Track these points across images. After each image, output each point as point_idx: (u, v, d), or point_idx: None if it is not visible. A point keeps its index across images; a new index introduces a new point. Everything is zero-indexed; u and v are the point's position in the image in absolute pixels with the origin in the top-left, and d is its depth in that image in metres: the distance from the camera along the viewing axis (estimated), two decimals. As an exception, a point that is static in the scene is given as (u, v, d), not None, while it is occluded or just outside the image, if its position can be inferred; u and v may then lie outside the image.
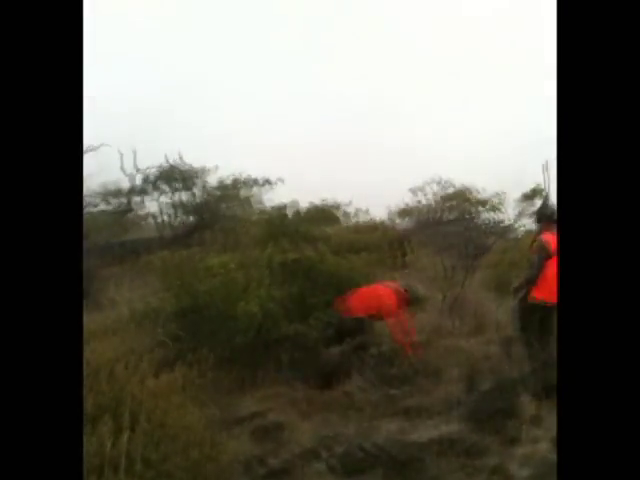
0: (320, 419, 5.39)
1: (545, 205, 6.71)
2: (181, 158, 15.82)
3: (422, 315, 7.54)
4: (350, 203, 15.50)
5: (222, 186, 15.79)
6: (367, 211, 12.83)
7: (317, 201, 16.34)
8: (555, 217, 5.46)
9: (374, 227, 11.67)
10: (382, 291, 6.21)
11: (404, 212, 11.19)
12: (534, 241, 5.67)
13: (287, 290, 5.91)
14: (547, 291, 5.17)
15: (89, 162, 18.46)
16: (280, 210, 7.05)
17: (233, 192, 15.62)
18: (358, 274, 6.43)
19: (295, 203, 12.40)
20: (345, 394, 5.77)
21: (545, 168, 8.89)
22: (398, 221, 11.59)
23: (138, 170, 16.00)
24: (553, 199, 8.58)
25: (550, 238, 5.38)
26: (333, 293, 6.20)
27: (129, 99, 25.26)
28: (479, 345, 6.01)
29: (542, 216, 5.72)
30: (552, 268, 5.13)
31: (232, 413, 5.61)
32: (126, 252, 14.47)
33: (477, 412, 4.73)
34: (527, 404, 4.66)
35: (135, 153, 16.42)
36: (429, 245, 10.23)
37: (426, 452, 4.22)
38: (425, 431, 4.72)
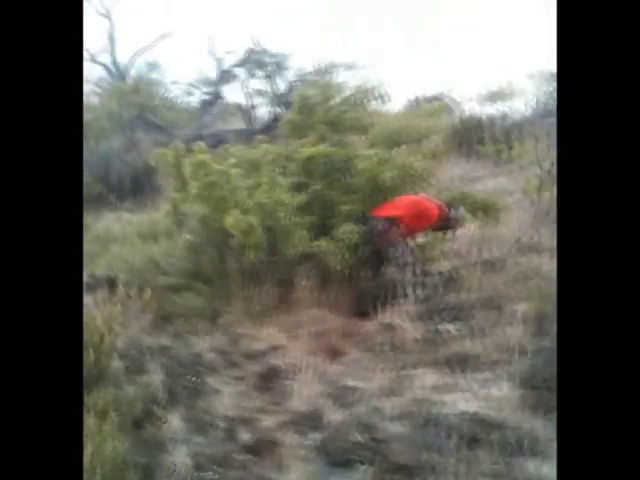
0: (347, 360, 4.26)
1: None
2: (258, 43, 14.64)
3: (507, 221, 5.94)
4: (451, 91, 13.11)
5: (309, 72, 14.41)
6: (471, 99, 10.61)
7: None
8: None
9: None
10: (428, 203, 4.75)
11: (499, 96, 9.00)
12: None
13: (310, 196, 4.58)
14: None
15: (159, 51, 17.81)
16: (325, 90, 5.42)
17: (321, 79, 14.19)
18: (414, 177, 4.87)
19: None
20: (384, 326, 4.55)
21: None
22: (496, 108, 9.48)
23: (217, 58, 15.03)
24: None
25: None
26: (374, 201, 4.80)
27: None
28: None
29: None
30: None
31: (245, 346, 4.60)
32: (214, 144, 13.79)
33: (537, 373, 3.33)
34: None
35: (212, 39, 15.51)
36: (535, 137, 8.26)
37: (449, 440, 2.94)
38: (461, 397, 3.43)
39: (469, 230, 5.56)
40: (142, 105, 13.53)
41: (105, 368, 3.77)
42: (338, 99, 5.49)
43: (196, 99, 16.24)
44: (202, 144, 5.27)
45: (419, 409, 3.39)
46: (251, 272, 4.95)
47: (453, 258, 5.39)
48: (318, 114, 5.23)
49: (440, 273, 5.14)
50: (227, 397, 3.81)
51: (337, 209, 4.72)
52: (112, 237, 6.67)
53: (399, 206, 4.69)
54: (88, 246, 6.72)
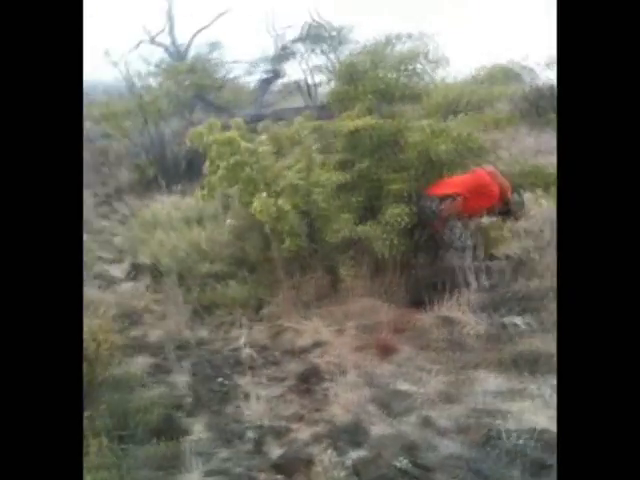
0: (399, 359, 3.75)
1: None
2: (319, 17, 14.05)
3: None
4: (526, 58, 12.00)
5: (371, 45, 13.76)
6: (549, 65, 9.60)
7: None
8: None
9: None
10: (489, 179, 4.14)
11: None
12: None
13: (354, 175, 4.06)
14: None
15: (220, 30, 17.36)
16: (373, 57, 4.80)
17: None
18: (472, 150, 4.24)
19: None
20: (442, 319, 4.01)
21: None
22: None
23: (276, 34, 14.58)
24: None
25: None
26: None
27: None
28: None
29: None
30: None
31: (284, 343, 4.15)
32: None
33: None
34: None
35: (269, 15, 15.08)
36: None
37: (512, 467, 2.41)
38: (529, 407, 2.89)
39: (541, 207, 4.90)
40: (200, 85, 13.23)
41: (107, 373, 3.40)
42: (388, 66, 4.87)
43: (257, 78, 15.89)
44: (239, 120, 4.81)
45: (480, 421, 2.88)
46: (296, 259, 4.51)
47: (523, 239, 4.76)
48: (365, 83, 4.65)
49: (507, 257, 4.54)
50: (260, 402, 3.38)
51: (385, 189, 4.16)
52: (158, 222, 6.38)
53: (457, 183, 4.10)
54: (136, 232, 6.51)
